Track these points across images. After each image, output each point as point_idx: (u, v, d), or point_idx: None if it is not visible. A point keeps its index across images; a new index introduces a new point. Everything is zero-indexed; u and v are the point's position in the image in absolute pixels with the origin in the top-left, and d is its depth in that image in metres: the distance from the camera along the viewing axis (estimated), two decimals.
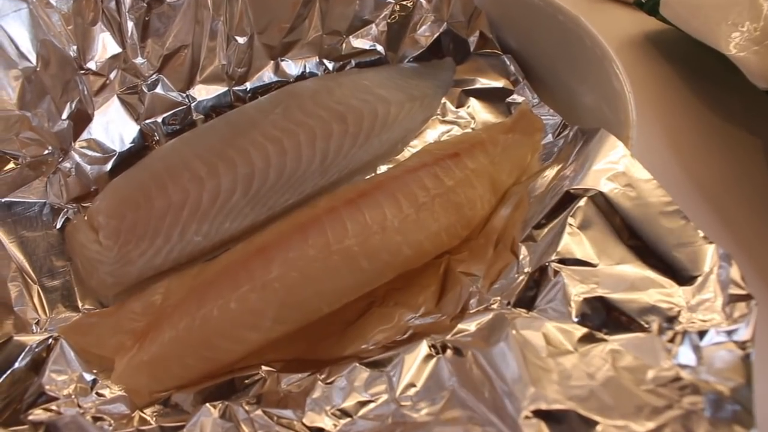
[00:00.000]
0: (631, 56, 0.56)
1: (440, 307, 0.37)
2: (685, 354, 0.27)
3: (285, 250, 0.37)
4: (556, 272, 0.32)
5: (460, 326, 0.32)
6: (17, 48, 0.39)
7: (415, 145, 0.48)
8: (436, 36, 0.50)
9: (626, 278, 0.31)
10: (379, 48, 0.50)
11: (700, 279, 0.30)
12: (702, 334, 0.28)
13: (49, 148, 0.41)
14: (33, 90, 0.40)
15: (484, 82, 0.50)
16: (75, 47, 0.42)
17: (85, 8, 0.41)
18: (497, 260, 0.37)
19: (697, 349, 0.27)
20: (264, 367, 0.35)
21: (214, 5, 0.45)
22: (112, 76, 0.44)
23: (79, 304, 0.39)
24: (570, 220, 0.33)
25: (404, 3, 0.49)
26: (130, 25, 0.43)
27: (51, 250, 0.40)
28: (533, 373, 0.28)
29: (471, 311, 0.35)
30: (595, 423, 0.25)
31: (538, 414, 0.26)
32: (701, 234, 0.31)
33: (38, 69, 0.40)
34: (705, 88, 0.53)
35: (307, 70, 0.50)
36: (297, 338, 0.37)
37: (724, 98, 0.52)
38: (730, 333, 0.27)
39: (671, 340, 0.28)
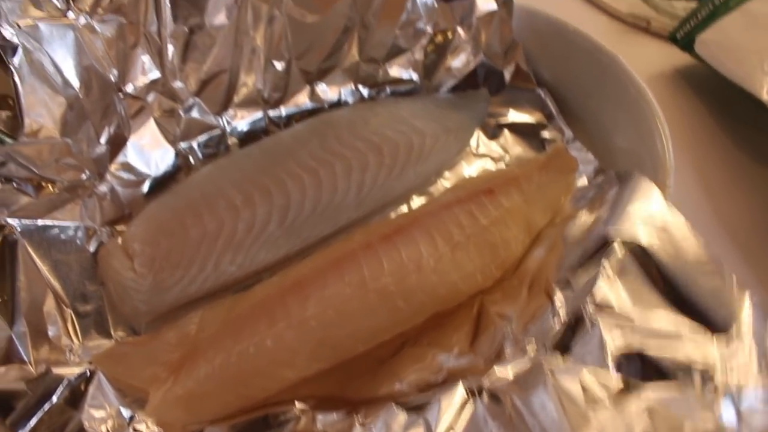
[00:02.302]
0: (661, 90, 0.55)
1: (474, 348, 0.37)
2: (724, 410, 0.28)
3: (321, 287, 0.37)
4: (592, 319, 0.32)
5: (496, 369, 0.32)
6: (62, 75, 0.38)
7: (448, 178, 0.48)
8: (472, 66, 0.50)
9: (661, 329, 0.31)
10: (415, 77, 0.50)
11: (735, 332, 0.30)
12: (740, 391, 0.28)
13: (87, 172, 0.41)
14: (75, 116, 0.40)
15: (518, 116, 0.50)
16: (116, 71, 0.41)
17: (128, 33, 0.41)
18: (531, 302, 0.37)
19: (736, 408, 0.28)
20: (298, 404, 0.35)
21: (255, 30, 0.44)
22: (149, 99, 0.43)
23: (112, 331, 0.39)
24: (606, 266, 0.33)
25: (442, 32, 0.49)
26: (171, 49, 0.42)
27: (84, 273, 0.40)
28: (573, 421, 0.28)
29: (506, 354, 0.35)
30: None
31: None
32: (736, 284, 0.31)
33: (81, 95, 0.40)
34: (736, 127, 0.53)
35: (342, 97, 0.49)
36: (329, 374, 0.37)
37: (756, 139, 0.52)
38: None
39: (708, 395, 0.28)
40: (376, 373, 0.37)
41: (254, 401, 0.36)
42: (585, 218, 0.39)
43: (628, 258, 0.34)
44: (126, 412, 0.34)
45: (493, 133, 0.50)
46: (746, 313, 0.31)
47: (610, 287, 0.33)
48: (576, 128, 0.48)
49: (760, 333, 0.30)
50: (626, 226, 0.34)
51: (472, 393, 0.32)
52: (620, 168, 0.43)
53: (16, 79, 0.37)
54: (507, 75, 0.50)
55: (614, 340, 0.31)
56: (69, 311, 0.39)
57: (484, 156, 0.49)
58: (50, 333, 0.37)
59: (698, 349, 0.30)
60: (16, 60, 0.37)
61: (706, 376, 0.29)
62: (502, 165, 0.48)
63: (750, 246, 0.46)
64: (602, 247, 0.35)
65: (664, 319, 0.32)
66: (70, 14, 0.39)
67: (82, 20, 0.39)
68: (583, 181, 0.45)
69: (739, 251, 0.46)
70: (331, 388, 0.38)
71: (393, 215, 0.46)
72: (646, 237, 0.34)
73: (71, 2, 0.38)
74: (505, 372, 0.32)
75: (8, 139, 0.38)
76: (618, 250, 0.34)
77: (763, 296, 0.43)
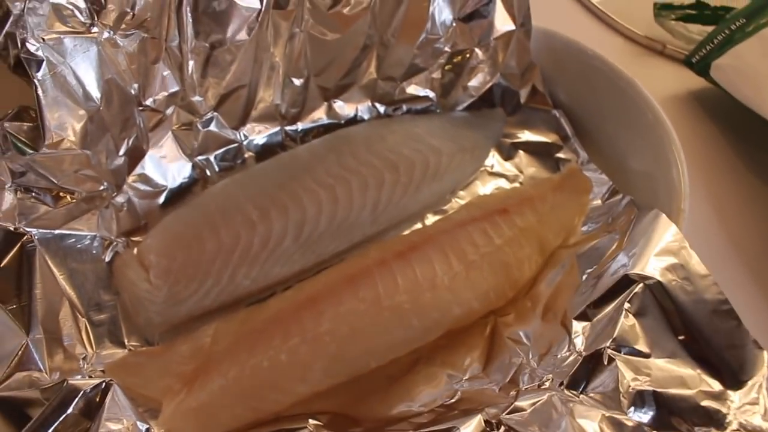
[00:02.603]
0: (676, 113, 0.56)
1: (487, 372, 0.38)
2: None
3: (336, 303, 0.37)
4: (610, 359, 0.33)
5: (515, 404, 0.33)
6: (84, 88, 0.39)
7: (463, 196, 0.48)
8: (488, 86, 0.50)
9: (677, 374, 0.33)
10: (432, 95, 0.50)
11: (747, 385, 0.32)
12: None
13: (105, 184, 0.41)
14: (95, 128, 0.40)
15: (533, 136, 0.50)
16: (136, 85, 0.42)
17: (149, 47, 0.41)
18: (546, 331, 0.38)
19: None
20: (311, 421, 0.35)
21: (275, 47, 0.45)
22: (168, 112, 0.44)
23: (125, 341, 0.40)
24: (626, 305, 0.34)
25: (460, 52, 0.49)
26: (191, 64, 0.43)
27: (99, 283, 0.41)
28: None
29: (523, 387, 0.36)
30: None
31: None
32: (752, 338, 0.33)
33: (101, 108, 0.40)
34: (750, 152, 0.53)
35: (359, 113, 0.50)
36: (341, 389, 0.37)
37: None
38: None
39: None
40: (389, 392, 0.38)
41: (266, 414, 0.36)
42: (601, 245, 0.40)
43: (649, 299, 0.35)
44: (142, 426, 0.34)
45: (508, 153, 0.50)
46: (761, 371, 0.32)
47: (630, 328, 0.34)
48: (591, 150, 0.49)
49: None
50: (648, 268, 0.35)
51: (490, 426, 0.32)
52: (635, 191, 0.44)
53: (39, 91, 0.38)
54: (523, 95, 0.50)
55: (630, 383, 0.32)
56: (83, 320, 0.39)
57: (499, 175, 0.49)
58: (65, 341, 0.37)
59: (710, 399, 0.32)
60: (40, 73, 0.37)
61: (719, 428, 0.31)
62: (516, 185, 0.49)
63: (764, 271, 0.46)
64: (624, 286, 0.35)
65: (680, 365, 0.33)
66: (94, 29, 0.39)
67: (106, 35, 0.39)
68: (596, 203, 0.45)
69: (752, 276, 0.46)
70: (343, 404, 0.38)
71: (407, 233, 0.46)
72: (665, 275, 0.35)
73: (96, 17, 0.39)
74: (522, 406, 0.33)
75: (29, 150, 0.38)
76: (639, 290, 0.35)
77: None
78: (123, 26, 0.40)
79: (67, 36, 0.38)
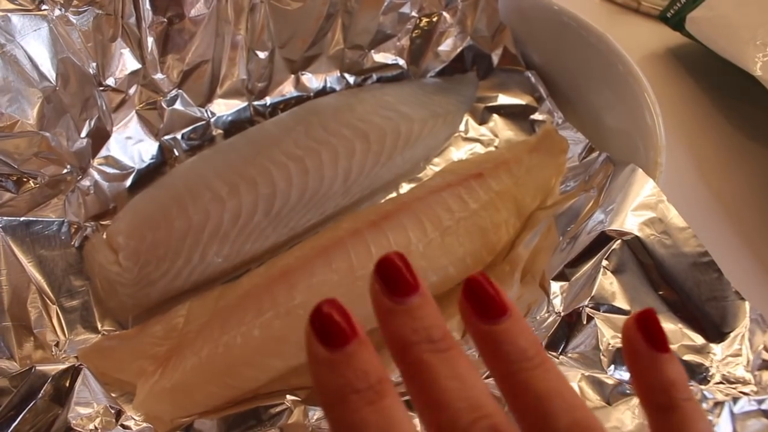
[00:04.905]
0: (653, 70, 0.55)
1: (466, 339, 0.37)
2: (719, 418, 0.28)
3: (309, 275, 0.37)
4: (589, 318, 0.32)
5: None
6: (37, 68, 0.38)
7: (438, 163, 0.47)
8: (459, 50, 0.49)
9: None
10: (401, 62, 0.49)
11: (730, 337, 0.31)
12: (735, 400, 0.29)
13: (68, 166, 0.41)
14: (52, 109, 0.39)
15: (507, 99, 0.49)
16: (94, 64, 0.41)
17: (105, 24, 0.40)
18: (525, 293, 0.37)
19: (732, 415, 0.28)
20: (289, 397, 0.35)
21: (236, 19, 0.44)
22: (131, 92, 0.43)
23: (98, 325, 0.39)
24: (604, 262, 0.34)
25: (428, 17, 0.48)
26: (150, 40, 0.42)
27: (69, 269, 0.40)
28: None
29: None
30: None
31: None
32: (734, 289, 0.32)
33: (58, 88, 0.39)
34: (729, 103, 0.53)
35: (328, 85, 0.49)
36: None
37: (749, 114, 0.52)
38: (760, 402, 0.29)
39: (704, 402, 0.29)
40: None
41: (244, 392, 0.36)
42: (578, 204, 0.39)
43: (627, 255, 0.34)
44: (113, 409, 0.33)
45: (482, 118, 0.49)
46: (743, 322, 0.31)
47: (608, 285, 0.33)
48: (566, 110, 0.48)
49: (755, 344, 0.31)
50: (626, 223, 0.35)
51: None
52: (612, 148, 0.43)
53: None
54: (495, 58, 0.50)
55: (610, 341, 0.32)
56: (54, 307, 0.38)
57: (474, 140, 0.48)
58: (35, 329, 0.37)
59: (692, 353, 0.31)
60: None
61: (700, 382, 0.30)
62: (491, 149, 0.48)
63: (744, 220, 0.46)
64: (601, 243, 0.35)
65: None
66: (44, 6, 0.38)
67: (57, 12, 0.38)
68: (574, 162, 0.44)
69: (733, 227, 0.45)
70: None
71: (382, 202, 0.45)
72: (643, 229, 0.34)
73: None
74: None
75: None
76: (617, 246, 0.34)
77: (754, 269, 0.43)
78: (75, 3, 0.39)
79: (15, 13, 0.37)
